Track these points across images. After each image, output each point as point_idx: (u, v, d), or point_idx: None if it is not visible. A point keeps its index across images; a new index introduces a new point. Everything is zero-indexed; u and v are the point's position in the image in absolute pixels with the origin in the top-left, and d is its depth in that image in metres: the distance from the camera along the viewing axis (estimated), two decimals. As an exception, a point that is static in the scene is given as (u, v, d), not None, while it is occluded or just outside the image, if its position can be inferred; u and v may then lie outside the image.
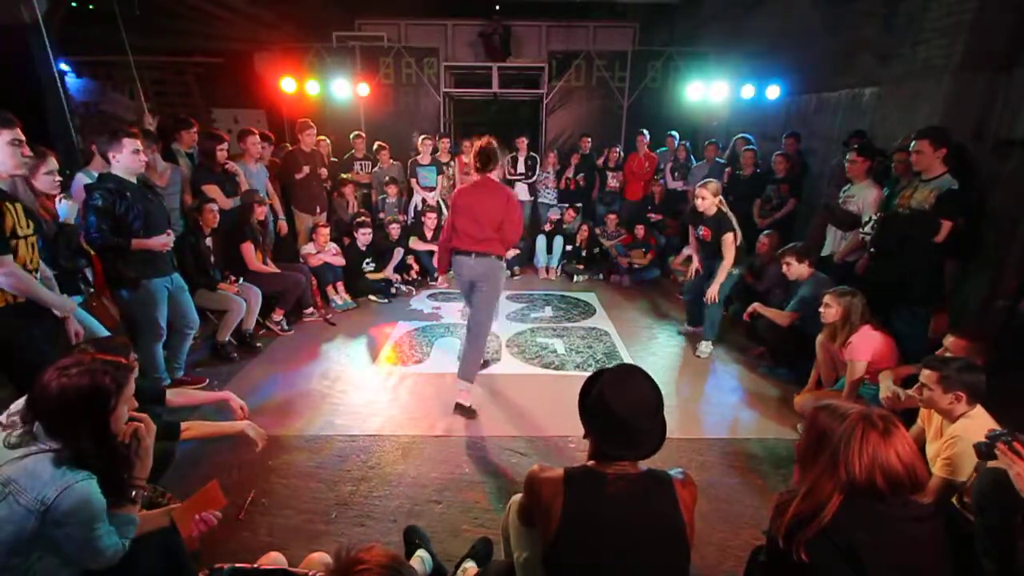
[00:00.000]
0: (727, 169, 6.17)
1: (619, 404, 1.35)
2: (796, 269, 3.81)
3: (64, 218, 2.99)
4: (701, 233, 4.29)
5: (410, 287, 5.86)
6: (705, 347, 4.36)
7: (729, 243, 4.06)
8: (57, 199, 3.02)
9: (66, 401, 1.42)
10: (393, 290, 5.62)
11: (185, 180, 4.44)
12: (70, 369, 1.45)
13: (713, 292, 4.15)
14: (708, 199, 4.10)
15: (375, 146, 6.63)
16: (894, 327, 3.24)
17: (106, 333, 2.89)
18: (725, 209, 4.14)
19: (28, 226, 2.39)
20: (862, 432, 1.25)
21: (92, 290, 3.26)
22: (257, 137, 4.97)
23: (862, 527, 1.22)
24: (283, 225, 5.27)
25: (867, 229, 3.79)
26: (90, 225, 2.93)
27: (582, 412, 1.44)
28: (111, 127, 3.13)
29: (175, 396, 2.53)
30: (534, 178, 7.01)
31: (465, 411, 3.36)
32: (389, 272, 5.64)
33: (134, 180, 3.05)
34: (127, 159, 2.98)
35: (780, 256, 3.92)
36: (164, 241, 3.19)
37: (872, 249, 3.65)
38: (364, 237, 5.53)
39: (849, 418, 1.28)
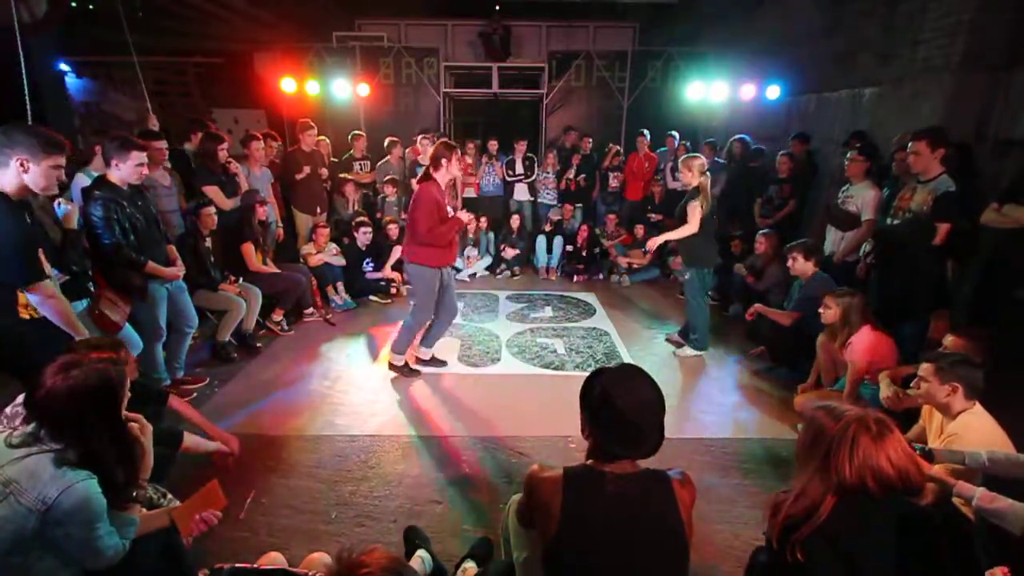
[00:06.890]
0: None
1: (624, 403, 1.33)
2: (801, 266, 3.79)
3: (61, 215, 2.97)
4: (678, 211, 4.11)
5: (408, 286, 5.86)
6: (686, 351, 4.28)
7: (694, 209, 3.87)
8: (57, 203, 3.01)
9: (78, 400, 1.41)
10: (393, 289, 5.62)
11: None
12: (73, 369, 1.44)
13: (653, 243, 4.18)
14: (687, 173, 3.94)
15: (387, 142, 6.60)
16: (896, 329, 3.24)
17: None
18: (706, 187, 3.94)
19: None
20: (853, 435, 1.25)
21: (96, 291, 3.25)
22: (261, 143, 4.98)
23: (857, 528, 1.22)
24: (280, 233, 5.28)
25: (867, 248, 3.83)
26: (106, 234, 2.94)
27: (584, 409, 1.43)
28: (122, 135, 3.12)
29: (180, 405, 2.51)
30: (533, 178, 7.02)
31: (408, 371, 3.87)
32: (387, 271, 5.63)
33: (126, 188, 3.06)
34: (128, 170, 3.00)
35: (788, 251, 3.88)
36: (175, 272, 3.36)
37: (872, 261, 3.65)
38: (364, 236, 5.53)
39: (843, 420, 1.29)
